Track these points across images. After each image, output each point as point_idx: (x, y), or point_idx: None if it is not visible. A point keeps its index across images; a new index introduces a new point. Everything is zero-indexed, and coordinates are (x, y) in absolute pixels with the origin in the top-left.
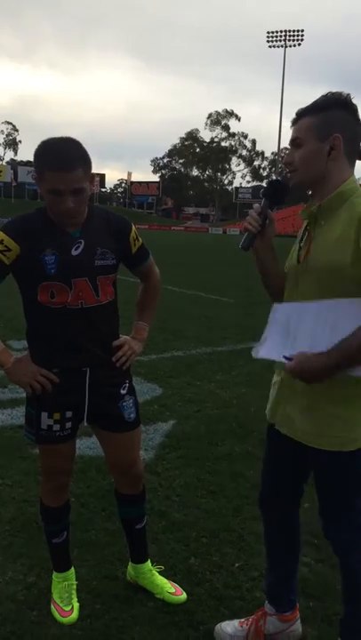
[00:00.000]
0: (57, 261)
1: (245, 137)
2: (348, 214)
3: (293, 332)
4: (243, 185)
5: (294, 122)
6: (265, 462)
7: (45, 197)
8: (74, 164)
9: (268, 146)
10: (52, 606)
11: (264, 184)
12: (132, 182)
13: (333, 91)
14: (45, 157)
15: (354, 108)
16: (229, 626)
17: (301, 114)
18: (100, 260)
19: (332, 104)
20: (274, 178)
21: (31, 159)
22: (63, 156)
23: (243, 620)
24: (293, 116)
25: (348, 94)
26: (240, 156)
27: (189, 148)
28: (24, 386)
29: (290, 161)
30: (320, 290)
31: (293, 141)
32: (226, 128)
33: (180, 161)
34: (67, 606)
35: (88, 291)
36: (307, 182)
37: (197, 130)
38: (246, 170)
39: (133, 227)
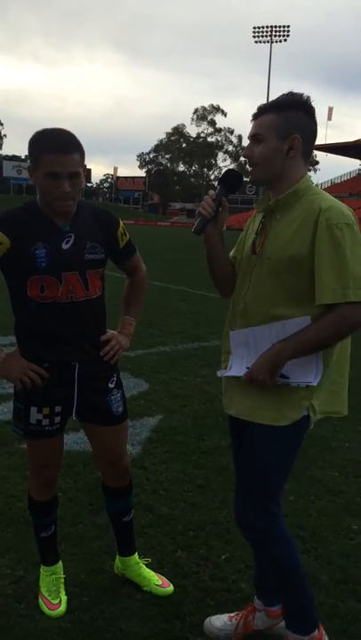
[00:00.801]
0: (48, 255)
1: (232, 132)
2: (304, 210)
3: (254, 349)
4: None
5: (255, 116)
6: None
7: (40, 184)
8: (71, 149)
9: None
10: (40, 599)
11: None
12: (117, 177)
13: (295, 91)
14: (43, 142)
15: (312, 112)
16: (218, 620)
17: (264, 110)
18: (89, 253)
19: (294, 105)
20: (231, 167)
21: (16, 154)
22: (61, 140)
23: (232, 614)
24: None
25: (308, 97)
26: (226, 152)
27: (176, 143)
28: (14, 381)
29: (249, 155)
30: (275, 278)
31: (254, 136)
32: (212, 123)
33: (167, 156)
34: (54, 599)
35: (78, 284)
36: (266, 178)
37: (184, 125)
38: (232, 165)
39: (121, 222)
